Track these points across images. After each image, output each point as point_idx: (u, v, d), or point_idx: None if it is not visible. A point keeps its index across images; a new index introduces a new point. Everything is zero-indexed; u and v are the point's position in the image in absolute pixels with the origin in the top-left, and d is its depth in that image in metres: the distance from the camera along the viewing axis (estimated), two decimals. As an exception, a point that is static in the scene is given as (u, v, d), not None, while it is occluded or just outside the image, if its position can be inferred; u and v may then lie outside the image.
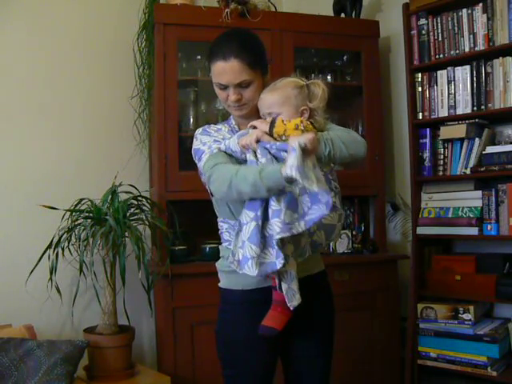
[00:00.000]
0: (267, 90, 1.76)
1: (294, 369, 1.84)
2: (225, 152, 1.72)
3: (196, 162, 1.81)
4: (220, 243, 1.87)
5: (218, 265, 1.85)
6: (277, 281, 1.63)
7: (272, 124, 1.66)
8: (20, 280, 2.57)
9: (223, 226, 1.82)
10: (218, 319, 1.83)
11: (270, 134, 1.66)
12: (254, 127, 1.70)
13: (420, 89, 2.89)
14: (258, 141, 1.65)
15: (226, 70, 1.73)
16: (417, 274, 2.85)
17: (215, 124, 1.90)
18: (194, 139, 1.84)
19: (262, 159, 1.61)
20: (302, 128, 1.63)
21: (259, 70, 1.76)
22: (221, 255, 1.85)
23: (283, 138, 1.64)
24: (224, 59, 1.72)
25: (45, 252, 2.48)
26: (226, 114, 2.99)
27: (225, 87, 1.76)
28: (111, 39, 3.04)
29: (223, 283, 1.83)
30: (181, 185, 2.75)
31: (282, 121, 1.66)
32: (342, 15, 3.23)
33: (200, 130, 1.86)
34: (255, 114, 1.80)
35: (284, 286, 1.62)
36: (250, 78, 1.74)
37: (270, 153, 1.62)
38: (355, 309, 2.82)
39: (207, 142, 1.77)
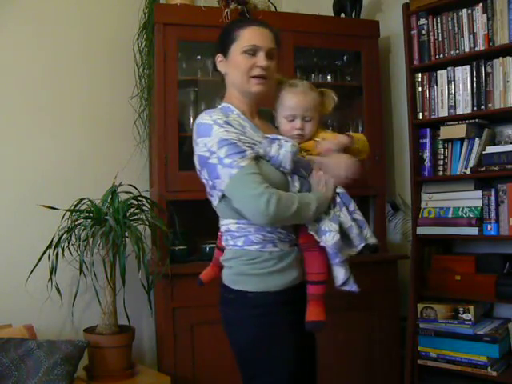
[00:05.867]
0: (301, 89, 1.78)
1: None
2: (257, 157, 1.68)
3: (219, 154, 1.63)
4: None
5: (243, 268, 1.71)
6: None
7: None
8: (20, 280, 2.57)
9: (247, 227, 1.71)
10: (250, 327, 1.70)
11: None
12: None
13: (420, 89, 2.89)
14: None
15: (262, 33, 1.75)
16: (417, 274, 2.85)
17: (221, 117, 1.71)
18: (219, 127, 1.65)
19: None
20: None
21: (277, 52, 1.80)
22: (246, 259, 1.71)
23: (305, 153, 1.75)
24: (258, 25, 1.76)
25: (45, 252, 2.48)
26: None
27: (254, 52, 1.73)
28: (111, 39, 3.04)
29: (252, 287, 1.70)
30: (181, 185, 2.75)
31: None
32: (342, 15, 3.22)
33: (218, 121, 1.66)
34: (263, 100, 1.81)
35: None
36: (275, 51, 1.77)
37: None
38: (355, 309, 2.81)
39: (243, 143, 1.65)
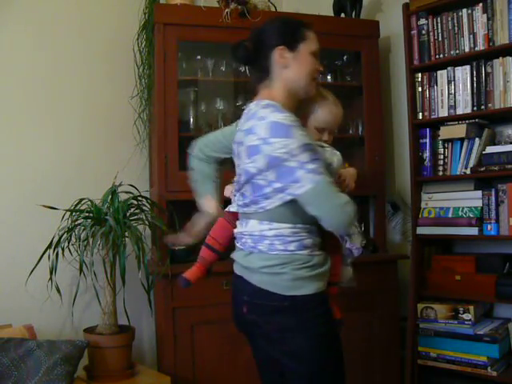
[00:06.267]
0: (334, 103, 1.86)
1: None
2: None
3: (300, 159, 1.57)
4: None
5: (299, 273, 1.67)
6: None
7: None
8: (20, 280, 2.57)
9: (301, 232, 1.70)
10: (310, 328, 1.69)
11: None
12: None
13: (420, 89, 2.89)
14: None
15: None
16: (417, 274, 2.85)
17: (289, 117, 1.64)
18: (299, 130, 1.61)
19: None
20: None
21: None
22: (300, 263, 1.68)
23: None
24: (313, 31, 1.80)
25: (45, 252, 2.48)
26: (225, 113, 3.00)
27: (316, 55, 1.78)
28: (111, 39, 3.04)
29: (308, 290, 1.68)
30: (181, 185, 2.73)
31: None
32: (342, 15, 3.23)
33: (296, 123, 1.62)
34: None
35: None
36: None
37: None
38: (355, 309, 2.81)
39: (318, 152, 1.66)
